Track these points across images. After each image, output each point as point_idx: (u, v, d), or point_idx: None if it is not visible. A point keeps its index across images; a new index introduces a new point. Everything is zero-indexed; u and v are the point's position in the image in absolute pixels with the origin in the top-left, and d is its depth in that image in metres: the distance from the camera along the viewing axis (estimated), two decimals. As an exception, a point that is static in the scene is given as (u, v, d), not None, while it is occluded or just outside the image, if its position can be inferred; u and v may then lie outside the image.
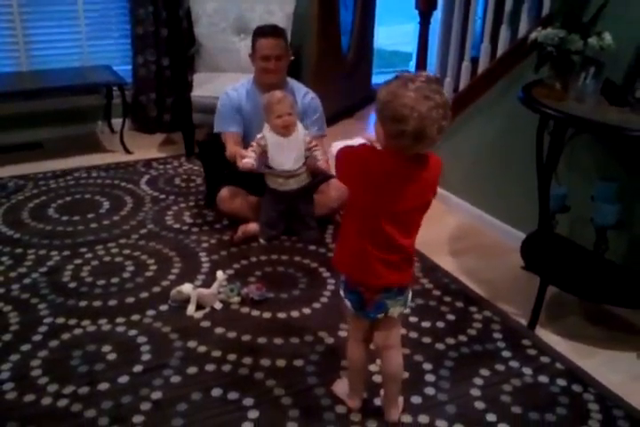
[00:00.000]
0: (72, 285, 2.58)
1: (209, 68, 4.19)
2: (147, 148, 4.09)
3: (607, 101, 2.24)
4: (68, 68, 4.13)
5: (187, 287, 2.46)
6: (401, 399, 1.96)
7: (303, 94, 3.05)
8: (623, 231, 2.42)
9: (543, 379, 2.14)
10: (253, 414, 1.94)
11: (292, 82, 3.11)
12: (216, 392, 2.02)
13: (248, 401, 1.99)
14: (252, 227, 2.98)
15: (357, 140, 1.68)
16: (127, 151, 3.99)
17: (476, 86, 3.13)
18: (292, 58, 3.58)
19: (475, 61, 3.21)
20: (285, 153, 2.80)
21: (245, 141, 2.95)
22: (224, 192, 3.01)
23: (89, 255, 2.80)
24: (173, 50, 4.19)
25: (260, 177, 2.97)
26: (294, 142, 2.80)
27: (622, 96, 2.19)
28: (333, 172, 1.81)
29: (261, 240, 2.97)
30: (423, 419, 1.95)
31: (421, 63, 3.46)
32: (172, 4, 4.10)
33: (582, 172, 2.60)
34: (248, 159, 2.70)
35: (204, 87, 3.88)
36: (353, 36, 4.86)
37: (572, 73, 2.32)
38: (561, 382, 2.12)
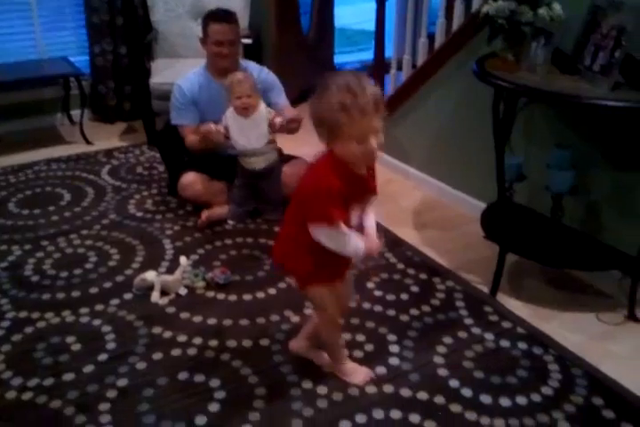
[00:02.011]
0: (34, 278, 2.56)
1: (167, 54, 4.13)
2: (107, 137, 4.05)
3: (558, 70, 2.26)
4: (23, 62, 4.05)
5: (150, 275, 2.45)
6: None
7: (258, 72, 3.03)
8: (579, 197, 2.45)
9: (504, 343, 2.17)
10: (220, 394, 1.96)
11: (247, 63, 3.09)
12: (182, 376, 2.03)
13: (214, 382, 2.00)
14: (216, 211, 2.97)
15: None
16: (87, 142, 3.94)
17: (433, 62, 3.13)
18: (248, 42, 3.57)
19: (432, 38, 3.21)
20: (245, 132, 2.81)
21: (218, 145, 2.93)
22: (185, 178, 3.00)
23: (51, 248, 2.78)
24: (130, 38, 4.14)
25: (221, 162, 2.97)
26: (255, 122, 2.81)
27: (572, 65, 2.21)
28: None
29: (229, 221, 2.97)
30: (388, 389, 1.98)
31: (379, 42, 3.46)
32: (125, -10, 4.07)
33: (539, 140, 2.62)
34: (219, 127, 2.74)
35: (163, 74, 3.83)
36: (313, 16, 4.81)
37: (523, 44, 2.33)
38: (522, 345, 2.17)
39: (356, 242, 1.67)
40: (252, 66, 3.08)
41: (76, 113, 4.11)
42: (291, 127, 2.89)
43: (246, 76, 2.78)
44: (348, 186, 1.59)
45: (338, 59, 5.40)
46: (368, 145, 1.53)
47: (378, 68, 3.52)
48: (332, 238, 1.65)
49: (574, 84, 2.08)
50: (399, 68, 3.46)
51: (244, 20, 4.18)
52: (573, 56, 2.17)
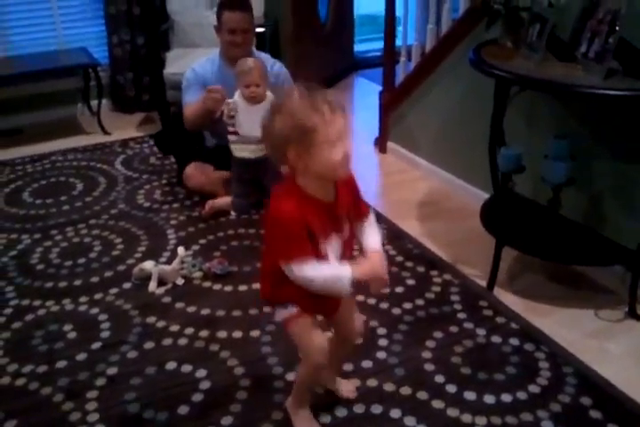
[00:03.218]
0: (40, 267, 2.63)
1: (183, 44, 4.16)
2: (125, 128, 4.10)
3: (555, 58, 2.19)
4: (43, 53, 4.14)
5: (148, 264, 2.49)
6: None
7: (271, 65, 3.02)
8: (581, 189, 2.38)
9: (496, 339, 2.14)
10: (205, 385, 1.98)
11: (259, 54, 3.08)
12: (170, 366, 2.06)
13: (201, 373, 2.03)
14: (220, 202, 2.99)
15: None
16: (105, 132, 4.01)
17: (439, 50, 3.07)
18: (263, 29, 3.55)
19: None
20: (253, 119, 2.78)
21: (213, 117, 2.93)
22: (190, 169, 3.03)
23: (59, 237, 2.84)
24: (147, 28, 4.18)
25: (226, 152, 2.98)
26: (262, 111, 2.78)
27: (569, 52, 2.13)
28: None
29: (233, 213, 2.99)
30: (371, 383, 1.97)
31: (389, 30, 3.40)
32: (142, -19, 4.10)
33: (541, 131, 2.55)
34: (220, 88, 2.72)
35: (177, 64, 3.85)
36: (330, 4, 4.77)
37: (521, 30, 2.27)
38: (514, 341, 2.13)
39: (334, 277, 1.45)
40: (265, 57, 3.07)
41: (95, 103, 4.17)
42: None
43: (256, 65, 2.75)
44: (313, 216, 1.43)
45: (359, 47, 5.36)
46: (339, 155, 1.39)
47: (388, 58, 3.46)
48: (302, 278, 1.45)
49: (568, 72, 2.02)
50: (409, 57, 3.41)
51: (259, 9, 4.18)
52: (570, 43, 2.09)
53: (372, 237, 1.59)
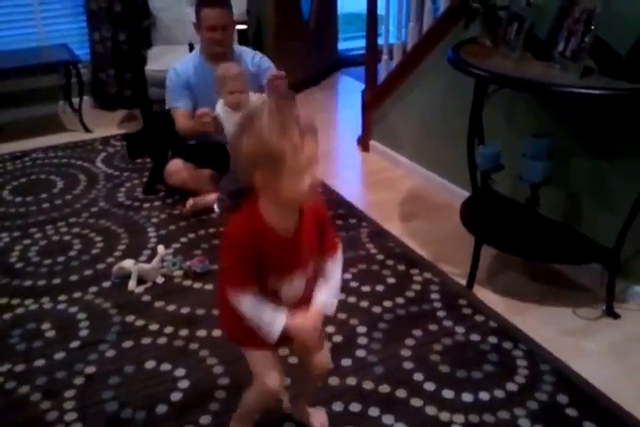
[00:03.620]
0: (18, 265, 2.60)
1: (165, 41, 4.14)
2: (107, 125, 4.08)
3: (533, 56, 2.20)
4: (24, 49, 4.10)
5: (128, 263, 2.48)
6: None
7: (252, 57, 3.03)
8: (559, 187, 2.40)
9: (475, 337, 2.15)
10: (184, 384, 1.98)
11: (239, 49, 3.08)
12: (149, 365, 2.05)
13: (180, 372, 2.02)
14: (202, 199, 2.98)
15: None
16: (86, 130, 3.98)
17: (420, 49, 3.08)
18: (243, 27, 3.53)
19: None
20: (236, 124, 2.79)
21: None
22: (171, 166, 3.02)
23: (38, 235, 2.82)
24: (128, 24, 4.16)
25: (208, 150, 2.97)
26: None
27: (546, 50, 2.15)
28: None
29: (216, 210, 2.97)
30: (351, 381, 1.97)
31: (371, 28, 3.40)
32: (124, -23, 4.08)
33: (520, 129, 2.56)
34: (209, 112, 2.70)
35: (159, 61, 3.83)
36: (313, 2, 4.77)
37: (499, 29, 2.28)
38: (492, 339, 2.14)
39: (265, 323, 1.36)
40: (246, 51, 3.08)
41: (77, 101, 4.14)
42: (275, 84, 2.80)
43: (240, 71, 2.71)
44: (267, 248, 1.33)
45: (343, 45, 5.36)
46: (312, 175, 1.27)
47: (371, 57, 3.47)
48: (239, 306, 1.37)
49: (545, 71, 2.03)
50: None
51: (242, 6, 4.16)
52: (548, 42, 2.11)
53: (325, 286, 1.44)
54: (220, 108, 2.74)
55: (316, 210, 1.42)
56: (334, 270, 1.46)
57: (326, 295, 1.43)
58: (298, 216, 1.37)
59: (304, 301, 1.44)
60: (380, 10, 3.39)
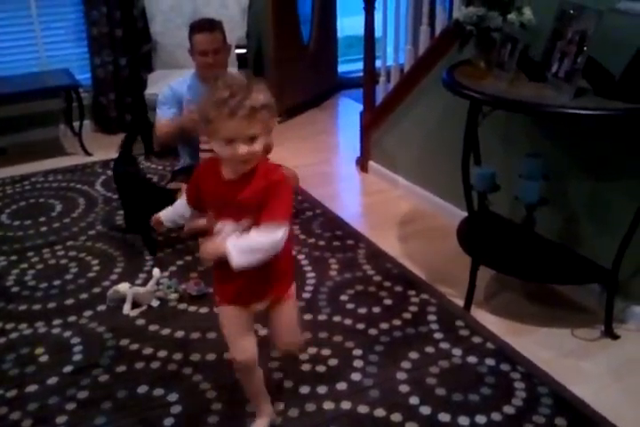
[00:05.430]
0: (14, 289, 2.60)
1: (166, 65, 4.18)
2: (107, 148, 4.07)
3: (527, 78, 2.21)
4: (26, 74, 4.14)
5: (123, 286, 2.47)
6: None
7: None
8: (555, 208, 2.39)
9: (472, 359, 2.12)
10: (176, 409, 1.95)
11: (231, 74, 3.10)
12: (142, 389, 2.03)
13: (172, 397, 2.00)
14: (199, 222, 2.97)
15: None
16: (87, 153, 4.00)
17: (416, 71, 3.10)
18: (242, 51, 3.57)
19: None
20: None
21: (190, 136, 2.93)
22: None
23: (35, 259, 2.82)
24: (129, 49, 4.21)
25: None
26: None
27: (540, 72, 2.16)
28: None
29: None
30: (345, 405, 1.94)
31: (369, 51, 3.43)
32: (125, 3, 4.14)
33: (516, 150, 2.56)
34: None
35: (159, 85, 3.85)
36: (313, 26, 4.82)
37: (493, 51, 2.29)
38: (489, 361, 2.11)
39: (172, 209, 1.80)
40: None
41: (78, 124, 4.17)
42: None
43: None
44: (209, 184, 1.59)
45: (343, 67, 5.40)
46: (235, 150, 1.46)
47: (368, 79, 3.49)
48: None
49: (538, 92, 2.03)
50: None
51: (242, 30, 4.22)
52: (542, 63, 2.11)
53: (238, 237, 1.53)
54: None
55: (272, 178, 1.54)
56: (255, 235, 1.52)
57: (234, 241, 1.52)
58: (247, 171, 1.53)
59: None
60: (378, 32, 3.43)
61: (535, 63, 2.20)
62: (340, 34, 5.22)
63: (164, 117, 2.97)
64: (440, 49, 2.91)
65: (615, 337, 2.22)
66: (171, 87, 3.04)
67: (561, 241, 2.43)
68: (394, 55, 3.34)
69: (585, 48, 1.92)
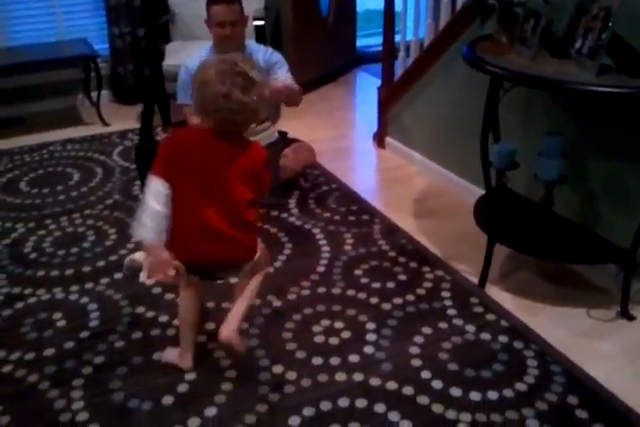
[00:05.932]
0: (32, 255, 2.63)
1: (184, 36, 4.15)
2: (125, 119, 4.10)
3: (550, 54, 2.17)
4: (44, 44, 4.15)
5: (139, 255, 2.47)
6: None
7: (263, 53, 3.02)
8: (575, 186, 2.37)
9: (485, 336, 2.12)
10: (190, 376, 1.98)
11: (250, 44, 3.08)
12: (157, 356, 2.06)
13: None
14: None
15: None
16: (104, 123, 4.01)
17: (436, 46, 3.05)
18: (260, 24, 3.53)
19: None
20: None
21: None
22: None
23: (53, 227, 2.84)
24: (147, 20, 4.18)
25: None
26: None
27: (563, 48, 2.12)
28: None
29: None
30: (357, 377, 1.96)
31: (388, 25, 3.38)
32: (143, -27, 4.10)
33: (536, 127, 2.52)
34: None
35: (176, 56, 3.84)
36: (332, -1, 4.75)
37: (515, 26, 2.25)
38: (503, 338, 2.11)
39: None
40: (257, 47, 3.07)
41: (96, 94, 4.17)
42: (277, 98, 2.85)
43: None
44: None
45: (363, 42, 5.33)
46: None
47: (387, 53, 3.44)
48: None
49: (561, 68, 1.99)
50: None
51: (259, 2, 4.17)
52: (565, 39, 2.07)
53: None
54: None
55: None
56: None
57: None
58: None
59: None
60: (398, 6, 3.37)
61: (558, 39, 2.15)
62: (359, 7, 5.15)
63: (191, 108, 2.94)
64: (461, 23, 2.86)
65: (631, 318, 2.21)
66: (187, 68, 2.97)
67: (578, 220, 2.42)
68: (414, 29, 3.29)
69: (610, 24, 1.87)
